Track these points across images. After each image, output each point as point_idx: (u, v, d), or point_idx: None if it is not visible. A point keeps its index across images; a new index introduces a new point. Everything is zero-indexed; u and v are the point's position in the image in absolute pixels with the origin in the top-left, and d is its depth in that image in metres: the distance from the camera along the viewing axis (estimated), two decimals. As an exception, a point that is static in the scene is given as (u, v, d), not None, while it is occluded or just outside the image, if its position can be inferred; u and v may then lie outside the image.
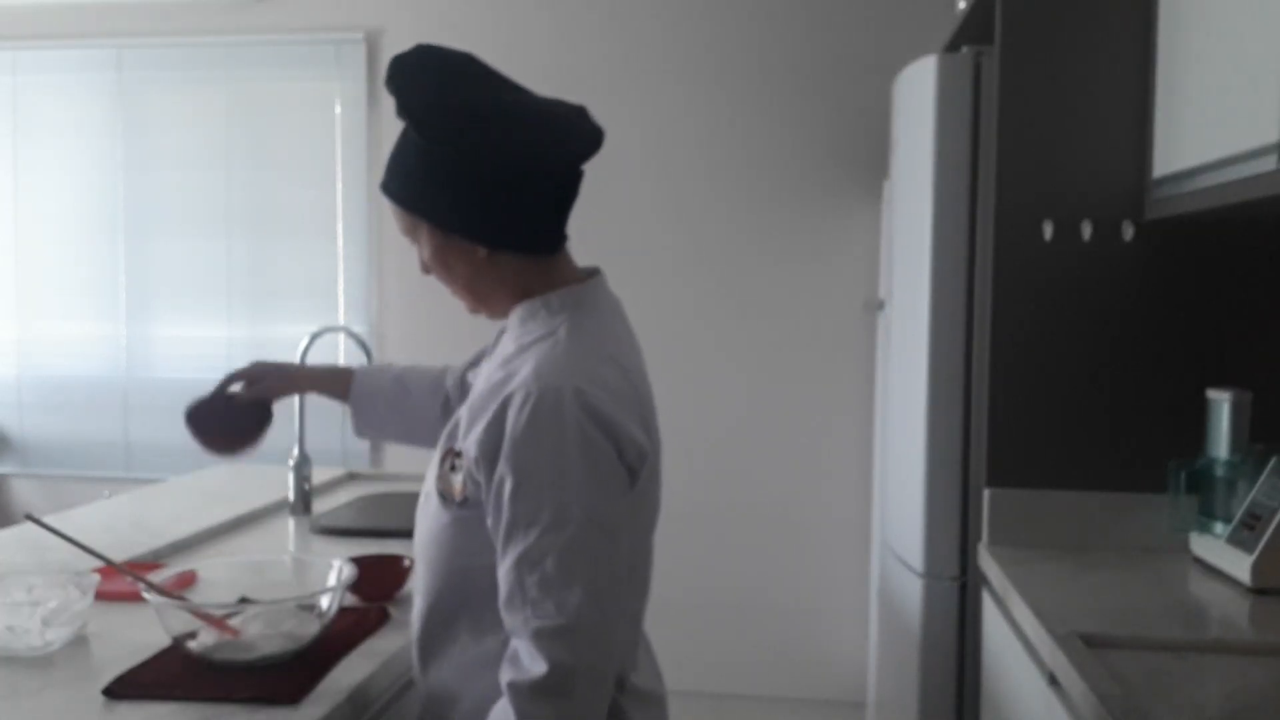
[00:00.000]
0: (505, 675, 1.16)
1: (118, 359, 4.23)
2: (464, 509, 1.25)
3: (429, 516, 1.32)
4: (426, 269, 1.36)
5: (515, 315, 1.32)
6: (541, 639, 1.14)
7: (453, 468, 1.26)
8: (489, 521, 1.22)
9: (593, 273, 1.36)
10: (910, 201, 2.48)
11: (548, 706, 1.14)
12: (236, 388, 1.65)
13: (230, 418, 1.64)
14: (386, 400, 1.68)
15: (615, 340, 1.31)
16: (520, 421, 1.17)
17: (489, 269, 1.29)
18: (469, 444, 1.23)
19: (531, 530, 1.16)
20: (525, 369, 1.22)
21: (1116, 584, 1.83)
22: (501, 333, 1.41)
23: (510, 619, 1.18)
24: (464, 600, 1.28)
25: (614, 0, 3.83)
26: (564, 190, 1.28)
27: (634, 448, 1.21)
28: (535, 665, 1.14)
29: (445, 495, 1.28)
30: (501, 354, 1.33)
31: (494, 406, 1.20)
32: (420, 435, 1.66)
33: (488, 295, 1.33)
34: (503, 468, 1.18)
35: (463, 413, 1.29)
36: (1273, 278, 2.05)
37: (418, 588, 1.36)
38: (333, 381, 1.70)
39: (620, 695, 1.27)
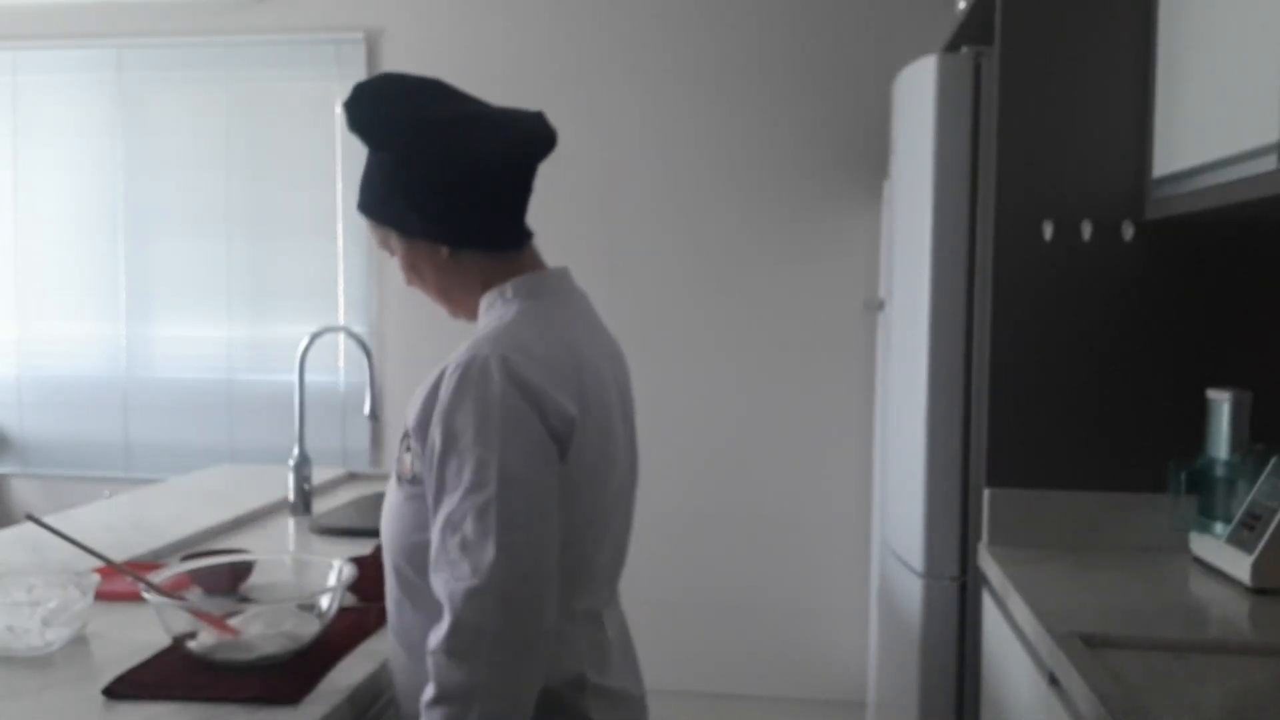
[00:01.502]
0: (430, 644, 1.19)
1: (118, 359, 4.23)
2: (414, 485, 1.29)
3: (389, 497, 1.37)
4: (408, 280, 1.43)
5: (480, 309, 1.39)
6: (455, 600, 1.16)
7: (408, 448, 1.30)
8: (428, 492, 1.26)
9: (559, 269, 1.42)
10: (910, 201, 2.48)
11: (458, 671, 1.16)
12: None
13: None
14: None
15: (565, 321, 1.35)
16: (448, 389, 1.23)
17: (454, 269, 1.37)
18: (408, 417, 1.28)
19: (455, 493, 1.20)
20: (464, 346, 1.28)
21: (1116, 584, 1.83)
22: None
23: (435, 582, 1.21)
24: (420, 581, 1.30)
25: (614, 1, 3.83)
26: (516, 189, 1.36)
27: (559, 416, 1.24)
28: (445, 627, 1.17)
29: (400, 474, 1.32)
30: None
31: (431, 380, 1.26)
32: None
33: (458, 296, 1.40)
34: (433, 434, 1.23)
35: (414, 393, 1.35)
36: (1273, 278, 2.05)
37: (385, 574, 1.38)
38: None
39: (580, 696, 1.28)
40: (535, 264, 1.40)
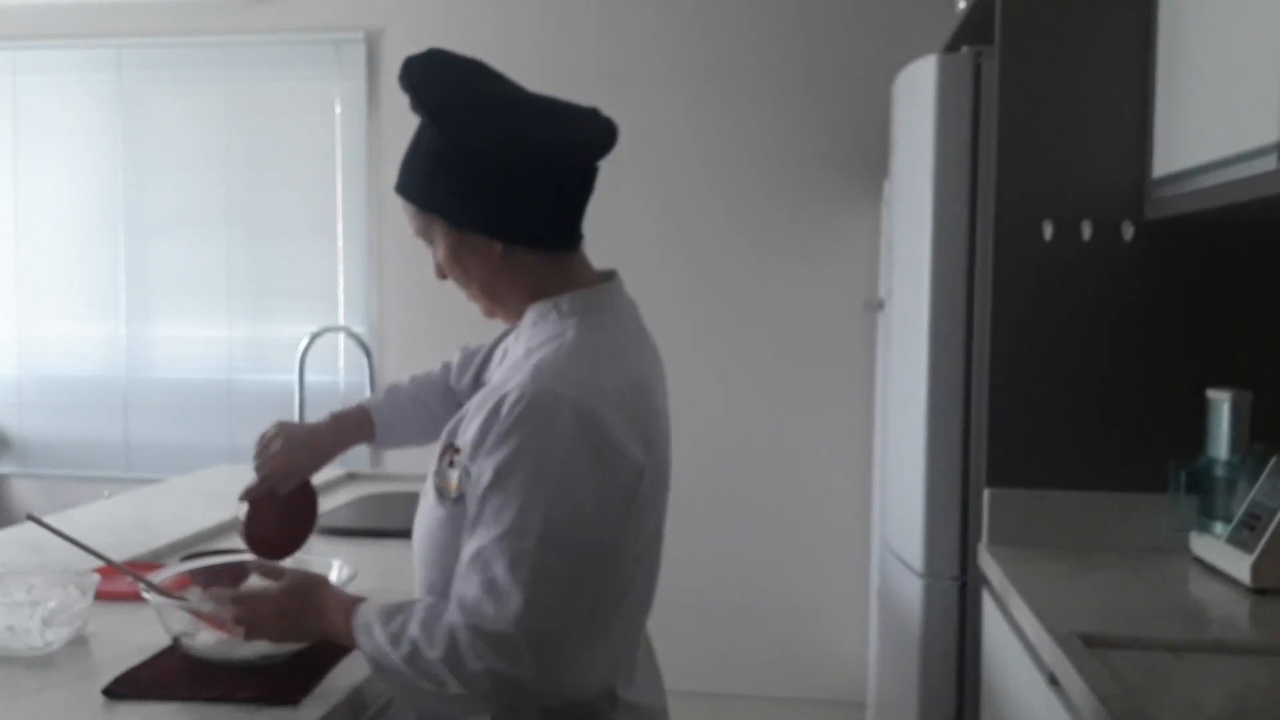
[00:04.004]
0: (432, 635, 1.16)
1: (118, 359, 4.23)
2: (458, 505, 1.23)
3: (426, 511, 1.31)
4: (442, 273, 1.33)
5: (527, 317, 1.30)
6: (460, 630, 1.14)
7: (451, 463, 1.24)
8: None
9: (609, 275, 1.35)
10: (910, 201, 2.48)
11: (448, 677, 1.14)
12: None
13: (284, 521, 1.59)
14: (408, 423, 1.67)
15: (625, 346, 1.29)
16: (508, 421, 1.15)
17: (504, 267, 1.28)
18: (464, 439, 1.22)
19: (492, 529, 1.14)
20: (526, 370, 1.20)
21: (1116, 584, 1.83)
22: (506, 333, 1.42)
23: (453, 600, 1.17)
24: None
25: (614, 1, 3.83)
26: (580, 186, 1.28)
27: (629, 467, 1.19)
28: (435, 650, 1.14)
29: (442, 491, 1.26)
30: (512, 357, 1.32)
31: (491, 403, 1.19)
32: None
33: (503, 296, 1.31)
34: (483, 462, 1.17)
35: (467, 409, 1.28)
36: (1273, 278, 2.05)
37: (415, 586, 1.36)
38: (356, 431, 1.64)
39: (612, 710, 1.27)
40: (587, 269, 1.33)
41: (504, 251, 1.26)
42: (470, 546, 1.17)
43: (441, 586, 1.28)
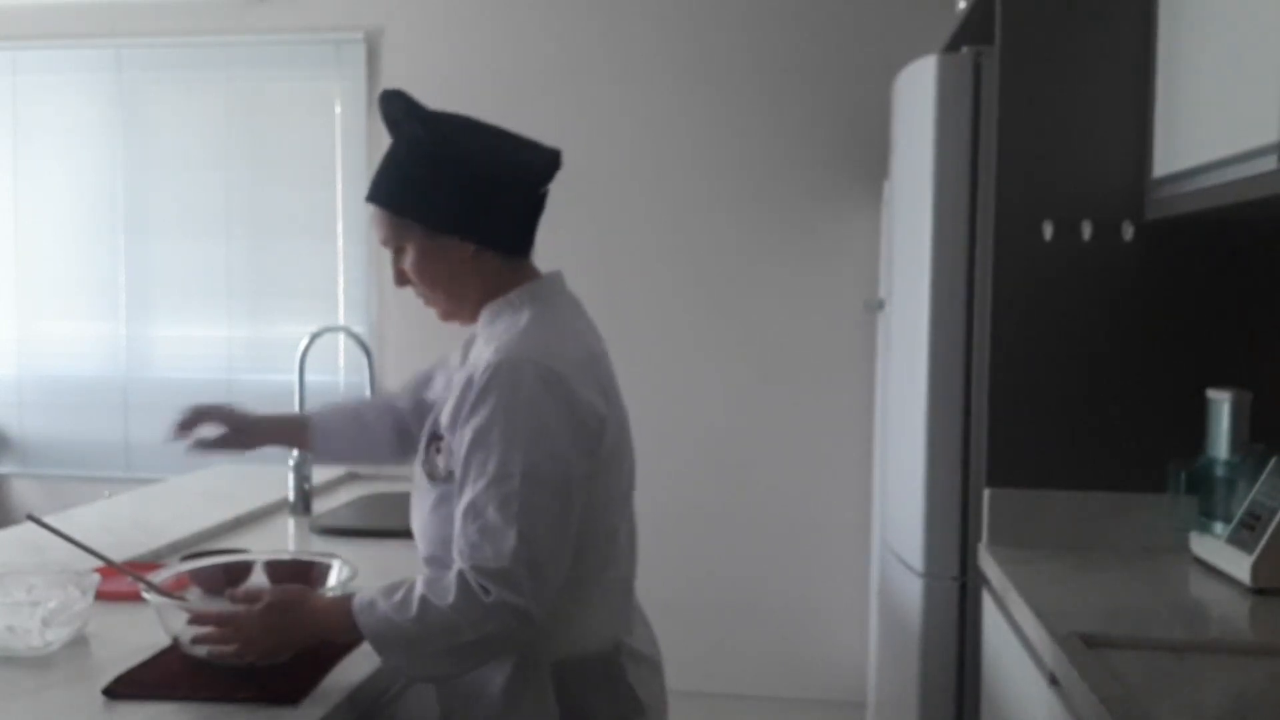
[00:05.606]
0: (440, 584, 1.26)
1: (118, 359, 4.23)
2: (447, 482, 1.35)
3: (420, 497, 1.43)
4: (403, 280, 1.46)
5: (483, 319, 1.44)
6: (477, 574, 1.24)
7: (438, 450, 1.37)
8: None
9: (553, 275, 1.50)
10: (910, 201, 2.48)
11: (451, 614, 1.24)
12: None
13: None
14: (344, 437, 1.75)
15: (574, 324, 1.44)
16: (479, 387, 1.30)
17: (470, 269, 1.41)
18: (443, 418, 1.35)
19: (479, 481, 1.27)
20: (490, 349, 1.35)
21: (1116, 584, 1.83)
22: (468, 344, 1.53)
23: (455, 553, 1.29)
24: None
25: (614, 1, 3.83)
26: (538, 202, 1.45)
27: (591, 414, 1.33)
28: (446, 599, 1.24)
29: (431, 474, 1.40)
30: (474, 354, 1.44)
31: (463, 381, 1.33)
32: (375, 456, 1.79)
33: (464, 297, 1.44)
34: (462, 431, 1.31)
35: (440, 400, 1.42)
36: (1273, 278, 2.05)
37: (419, 565, 1.44)
38: (290, 434, 1.79)
39: (618, 654, 1.41)
40: (534, 271, 1.48)
41: (474, 253, 1.40)
42: (461, 504, 1.29)
43: (442, 553, 1.36)
